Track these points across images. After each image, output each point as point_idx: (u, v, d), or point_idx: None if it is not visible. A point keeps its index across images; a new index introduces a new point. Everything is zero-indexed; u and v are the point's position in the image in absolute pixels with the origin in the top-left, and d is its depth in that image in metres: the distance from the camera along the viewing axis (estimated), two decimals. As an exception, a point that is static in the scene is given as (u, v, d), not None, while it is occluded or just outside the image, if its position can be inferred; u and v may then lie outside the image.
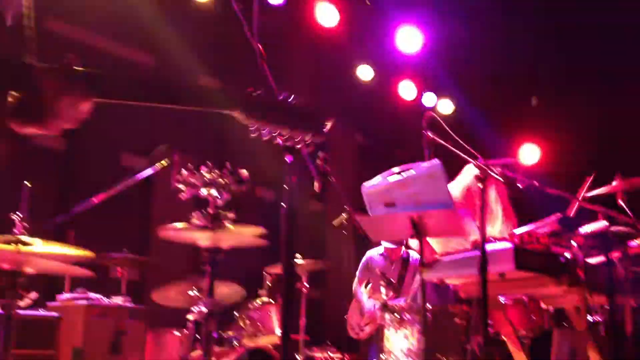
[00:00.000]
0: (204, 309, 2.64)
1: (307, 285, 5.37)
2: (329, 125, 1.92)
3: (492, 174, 3.28)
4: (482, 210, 3.20)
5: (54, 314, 4.23)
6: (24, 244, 2.77)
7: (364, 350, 5.93)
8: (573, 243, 3.57)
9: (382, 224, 3.78)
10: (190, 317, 2.78)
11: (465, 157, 3.41)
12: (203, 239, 2.69)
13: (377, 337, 4.70)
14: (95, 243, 4.81)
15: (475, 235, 3.50)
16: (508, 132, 7.57)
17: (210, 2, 6.53)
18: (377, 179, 3.71)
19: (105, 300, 4.33)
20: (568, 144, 7.42)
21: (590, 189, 4.37)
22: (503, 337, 3.93)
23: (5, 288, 2.72)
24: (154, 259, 5.57)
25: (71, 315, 4.03)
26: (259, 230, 2.78)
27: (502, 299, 4.18)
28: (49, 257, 2.84)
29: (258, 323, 5.30)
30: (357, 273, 5.92)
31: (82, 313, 4.02)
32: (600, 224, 3.51)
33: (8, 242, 2.74)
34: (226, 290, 4.97)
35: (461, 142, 3.46)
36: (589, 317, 4.57)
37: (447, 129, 3.54)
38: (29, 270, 2.79)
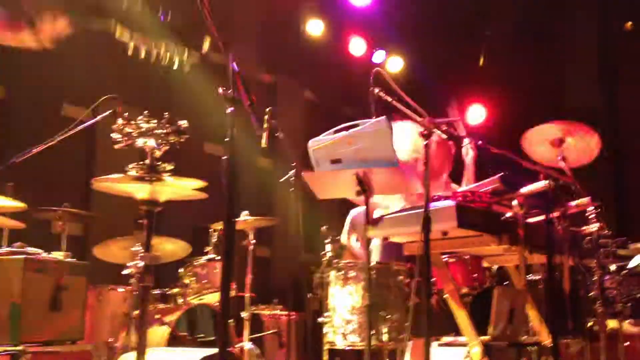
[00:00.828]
0: (141, 264, 2.59)
1: (254, 242, 5.34)
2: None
3: (437, 131, 3.28)
4: (425, 166, 3.21)
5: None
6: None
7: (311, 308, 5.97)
8: (514, 202, 3.62)
9: (327, 181, 3.76)
10: (126, 271, 2.72)
11: (411, 114, 3.40)
12: (140, 191, 2.62)
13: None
14: (35, 196, 4.69)
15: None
16: (456, 92, 7.61)
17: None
18: (323, 136, 3.68)
19: (45, 254, 4.22)
20: (513, 105, 7.51)
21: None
22: (445, 294, 3.99)
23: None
24: (97, 213, 5.46)
25: (8, 270, 3.92)
26: (199, 183, 2.72)
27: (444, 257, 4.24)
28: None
29: (204, 280, 5.28)
30: (346, 226, 5.87)
31: (19, 268, 3.91)
32: (541, 184, 3.56)
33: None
34: (171, 247, 4.93)
35: (408, 99, 3.44)
36: (529, 276, 4.69)
37: (394, 85, 3.51)
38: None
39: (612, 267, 5.26)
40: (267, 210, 6.33)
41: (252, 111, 2.55)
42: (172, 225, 5.37)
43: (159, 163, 2.60)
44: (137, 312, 3.60)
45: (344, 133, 3.56)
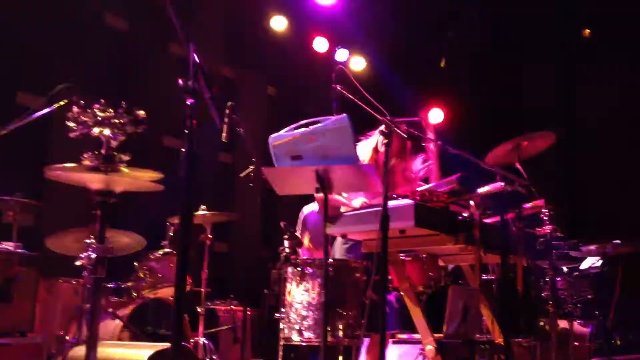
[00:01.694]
0: (93, 255, 2.53)
1: (211, 237, 5.30)
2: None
3: (397, 130, 3.29)
4: (385, 165, 3.22)
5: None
6: None
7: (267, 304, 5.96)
8: (471, 202, 3.67)
9: (287, 177, 3.74)
10: (78, 263, 2.66)
11: (373, 112, 3.41)
12: (94, 181, 2.57)
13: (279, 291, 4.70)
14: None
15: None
16: (417, 92, 7.68)
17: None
18: (284, 131, 3.67)
19: (-5, 245, 4.12)
20: (473, 107, 7.61)
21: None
22: (401, 292, 4.01)
23: None
24: (49, 204, 5.34)
25: (-44, 260, 3.82)
26: (156, 174, 2.67)
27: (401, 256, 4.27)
28: None
29: (159, 274, 5.22)
30: (298, 230, 5.87)
31: (-32, 258, 3.81)
32: (497, 185, 3.61)
33: None
34: (126, 240, 4.85)
35: (369, 97, 3.45)
36: (483, 275, 4.76)
37: (356, 84, 3.52)
38: None
39: (564, 269, 5.39)
40: (226, 205, 6.28)
41: (213, 104, 2.52)
42: (128, 218, 5.30)
43: (115, 153, 2.55)
44: (88, 304, 3.55)
45: (304, 129, 3.55)
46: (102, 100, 2.54)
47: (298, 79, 7.68)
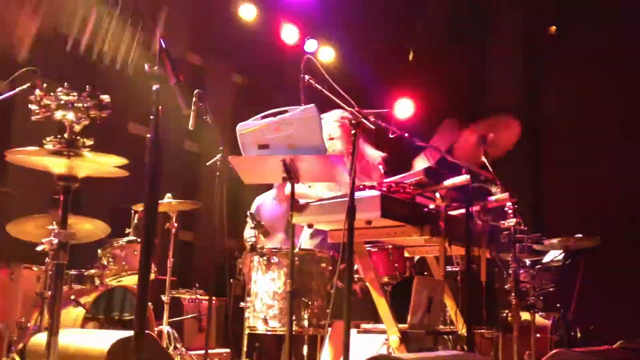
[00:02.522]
0: (55, 241, 2.49)
1: (176, 225, 5.27)
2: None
3: (365, 121, 3.30)
4: (352, 156, 3.22)
5: None
6: None
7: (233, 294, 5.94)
8: (436, 194, 3.69)
9: (254, 166, 3.73)
10: (39, 248, 2.62)
11: (340, 103, 3.41)
12: (56, 165, 2.53)
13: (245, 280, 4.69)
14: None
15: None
16: (385, 85, 7.70)
17: None
18: (251, 120, 3.65)
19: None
20: (441, 101, 7.65)
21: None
22: (366, 282, 4.03)
23: None
24: (11, 189, 5.24)
25: None
26: (120, 160, 2.64)
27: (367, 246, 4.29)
28: None
29: (123, 262, 5.18)
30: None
31: None
32: (463, 178, 3.64)
33: None
34: (90, 227, 4.80)
35: (337, 88, 3.45)
36: (448, 267, 4.80)
37: (324, 74, 3.52)
38: None
39: (527, 262, 5.46)
40: (192, 194, 6.24)
41: (179, 90, 2.50)
42: (92, 205, 5.24)
43: (78, 138, 2.51)
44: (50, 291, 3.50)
45: (272, 119, 3.54)
46: (66, 84, 2.50)
47: (266, 68, 7.64)
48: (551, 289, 5.51)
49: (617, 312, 6.51)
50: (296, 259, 3.95)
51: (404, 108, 8.25)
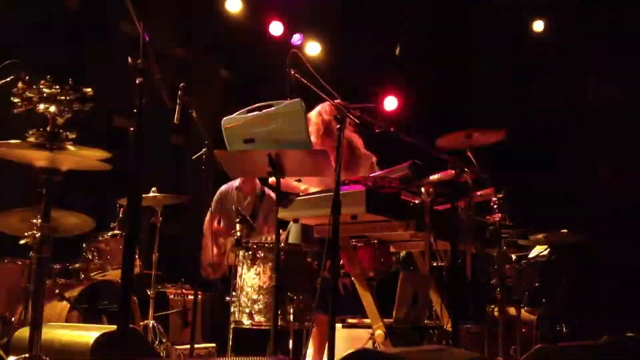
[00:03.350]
0: (38, 234, 2.48)
1: (162, 219, 5.25)
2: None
3: (350, 116, 3.30)
4: (338, 150, 3.22)
5: None
6: None
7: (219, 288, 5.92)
8: (422, 190, 3.70)
9: (240, 160, 3.73)
10: (22, 242, 2.60)
11: (326, 97, 3.41)
12: (39, 158, 2.51)
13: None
14: None
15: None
16: (372, 79, 7.69)
17: None
18: (237, 114, 3.65)
19: None
20: (427, 96, 7.66)
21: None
22: (352, 277, 4.04)
23: None
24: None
25: None
26: (103, 153, 2.63)
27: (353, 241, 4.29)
28: None
29: (108, 256, 5.15)
30: (212, 207, 5.83)
31: None
32: (448, 173, 3.65)
33: None
34: (74, 220, 4.76)
35: (322, 82, 3.44)
36: (433, 262, 4.82)
37: (310, 68, 3.51)
38: None
39: (513, 257, 5.49)
40: (178, 188, 6.20)
41: (163, 84, 2.49)
42: (77, 199, 5.20)
43: (61, 131, 2.49)
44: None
45: (257, 113, 3.53)
46: (48, 77, 2.48)
47: (252, 61, 7.60)
48: (536, 284, 5.54)
49: (603, 308, 6.55)
50: (281, 253, 3.95)
51: (390, 103, 8.26)
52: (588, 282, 6.83)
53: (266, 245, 4.16)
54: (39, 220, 2.62)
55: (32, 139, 2.47)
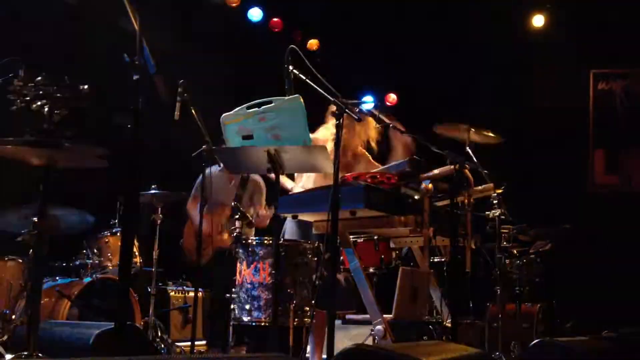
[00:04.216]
0: (35, 231, 2.48)
1: (162, 217, 5.24)
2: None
3: (348, 112, 3.29)
4: (337, 146, 3.22)
5: None
6: None
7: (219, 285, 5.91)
8: (421, 185, 3.69)
9: (239, 157, 3.72)
10: (19, 239, 2.61)
11: (325, 93, 3.39)
12: (36, 156, 2.51)
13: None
14: None
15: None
16: (369, 76, 7.67)
17: None
18: (236, 111, 3.64)
19: None
20: (426, 91, 7.65)
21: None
22: (352, 273, 4.03)
23: None
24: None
25: None
26: (100, 151, 2.62)
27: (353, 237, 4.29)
28: None
29: (108, 253, 5.16)
30: (192, 191, 5.81)
31: None
32: (447, 168, 3.65)
33: None
34: (75, 218, 4.77)
35: (321, 78, 3.44)
36: (433, 258, 4.82)
37: (309, 64, 3.50)
38: None
39: (513, 252, 5.49)
40: (177, 185, 6.19)
41: (160, 81, 2.49)
42: (77, 197, 5.19)
43: (58, 128, 2.49)
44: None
45: (256, 109, 3.53)
46: (44, 74, 2.48)
47: (251, 57, 7.58)
48: (537, 279, 5.55)
49: (603, 303, 6.55)
50: (281, 250, 3.95)
51: (389, 99, 8.26)
52: (589, 277, 6.83)
53: (265, 241, 4.15)
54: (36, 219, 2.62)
55: (28, 137, 2.46)
